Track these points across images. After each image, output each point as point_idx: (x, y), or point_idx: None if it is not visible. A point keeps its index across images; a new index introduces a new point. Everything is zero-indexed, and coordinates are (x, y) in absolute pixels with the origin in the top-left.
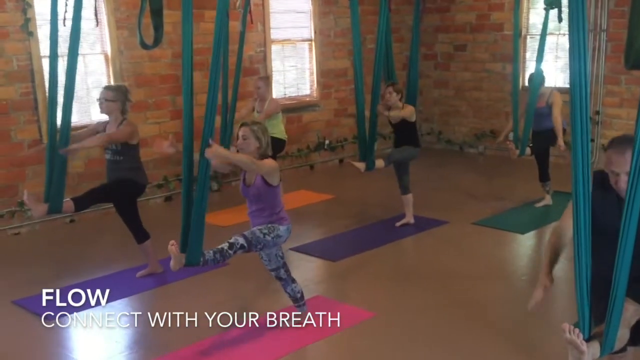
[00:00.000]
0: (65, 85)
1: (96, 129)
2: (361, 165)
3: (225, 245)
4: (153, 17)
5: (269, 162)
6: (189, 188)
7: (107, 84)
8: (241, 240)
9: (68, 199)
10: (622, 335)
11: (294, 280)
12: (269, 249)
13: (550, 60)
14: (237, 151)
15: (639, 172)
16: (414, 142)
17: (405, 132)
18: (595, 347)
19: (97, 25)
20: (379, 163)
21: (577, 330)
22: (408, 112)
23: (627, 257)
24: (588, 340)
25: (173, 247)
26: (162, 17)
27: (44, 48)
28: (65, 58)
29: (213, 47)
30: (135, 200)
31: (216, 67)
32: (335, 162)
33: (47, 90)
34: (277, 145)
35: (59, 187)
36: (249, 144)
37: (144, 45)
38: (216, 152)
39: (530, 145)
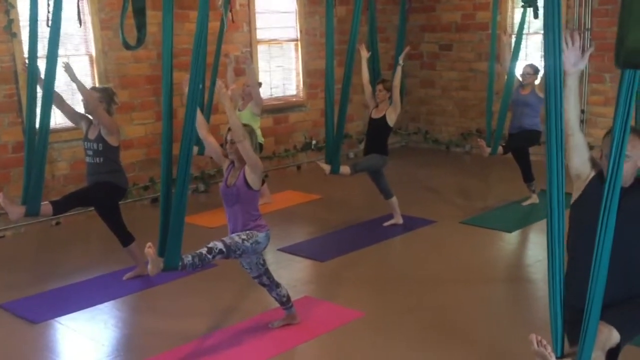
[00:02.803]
0: (45, 86)
1: (81, 117)
2: (327, 168)
3: (204, 250)
4: (136, 17)
5: (256, 156)
6: (168, 190)
7: (92, 86)
8: (220, 246)
9: (47, 202)
10: (597, 357)
11: (278, 285)
12: (248, 257)
13: (536, 59)
14: (227, 155)
15: (617, 167)
16: (382, 150)
17: (378, 136)
18: None
19: (80, 26)
20: (345, 169)
21: (544, 341)
22: (394, 112)
23: (603, 272)
24: (560, 358)
25: (150, 249)
26: (145, 17)
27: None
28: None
29: (193, 46)
30: (117, 204)
31: (197, 66)
32: (316, 162)
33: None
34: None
35: (36, 190)
36: (237, 149)
37: (127, 46)
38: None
39: (503, 144)
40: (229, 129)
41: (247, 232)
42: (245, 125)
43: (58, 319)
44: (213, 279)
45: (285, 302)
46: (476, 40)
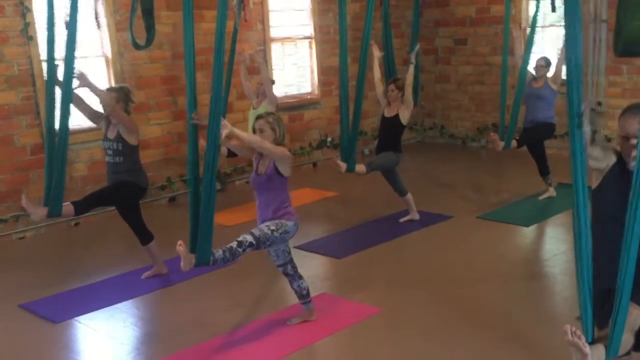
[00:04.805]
0: (63, 88)
1: (100, 116)
2: (343, 166)
3: (234, 244)
4: (144, 18)
5: (281, 148)
6: (196, 188)
7: (108, 87)
8: (249, 238)
9: (68, 202)
10: (627, 339)
11: (300, 277)
12: (277, 245)
13: (553, 53)
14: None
15: None
16: (396, 147)
17: (391, 134)
18: (600, 351)
19: (98, 28)
20: (360, 168)
21: (579, 332)
22: (407, 110)
23: (633, 254)
24: (591, 343)
25: (181, 247)
26: (154, 17)
27: (44, 52)
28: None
29: (215, 45)
30: (137, 203)
31: (219, 65)
32: (332, 160)
33: (46, 92)
34: None
35: (57, 191)
36: (266, 136)
37: (136, 46)
38: (231, 132)
39: (517, 138)
40: (256, 118)
41: (276, 222)
42: (271, 114)
43: (78, 318)
44: (230, 277)
45: (305, 295)
46: (491, 33)
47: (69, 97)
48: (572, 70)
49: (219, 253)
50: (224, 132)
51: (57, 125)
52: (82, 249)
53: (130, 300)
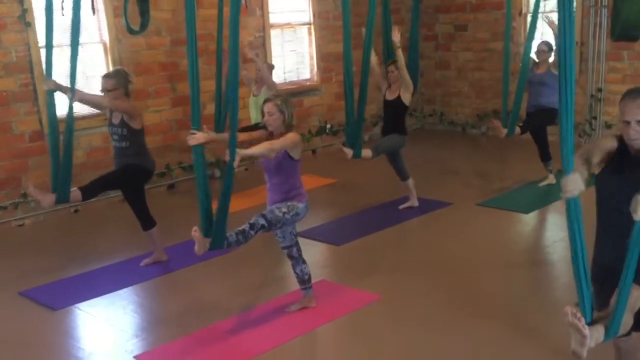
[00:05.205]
0: (70, 74)
1: (100, 102)
2: (349, 152)
3: (246, 226)
4: (138, 3)
5: (290, 137)
6: (204, 174)
7: (105, 72)
8: (261, 221)
9: (75, 188)
10: (627, 320)
11: (304, 261)
12: (286, 227)
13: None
14: (263, 126)
15: None
16: (401, 129)
17: (395, 116)
18: (599, 331)
19: (94, 14)
20: (366, 153)
21: (579, 314)
22: (407, 91)
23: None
24: (591, 324)
25: (196, 232)
26: (148, 2)
27: (43, 38)
28: (61, 48)
29: (230, 33)
30: (143, 186)
31: (236, 51)
32: (337, 146)
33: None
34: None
35: (65, 177)
36: (275, 119)
37: (131, 31)
38: (244, 156)
39: (520, 125)
40: (264, 101)
41: (288, 204)
42: (279, 95)
43: (77, 305)
44: (229, 264)
45: (306, 280)
46: (491, 19)
47: (74, 83)
48: (564, 53)
49: (232, 236)
50: (237, 161)
51: (62, 112)
52: (81, 236)
53: (130, 287)
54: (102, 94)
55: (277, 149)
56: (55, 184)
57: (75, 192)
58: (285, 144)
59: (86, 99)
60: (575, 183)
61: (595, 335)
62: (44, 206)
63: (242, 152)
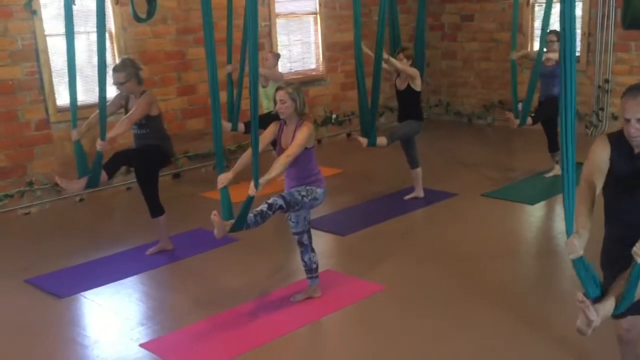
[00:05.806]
0: (99, 62)
1: (119, 103)
2: (364, 141)
3: (264, 207)
4: None
5: (302, 134)
6: (222, 164)
7: (114, 66)
8: (280, 202)
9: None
10: (639, 293)
11: (313, 250)
12: (302, 211)
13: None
14: (276, 114)
15: None
16: (417, 115)
17: (409, 103)
18: (607, 306)
19: (116, 3)
20: (382, 140)
21: (587, 302)
22: (416, 79)
23: None
24: (599, 299)
25: (216, 217)
26: None
27: (49, 27)
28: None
29: (247, 23)
30: (157, 170)
31: (254, 41)
32: (343, 136)
33: (67, 68)
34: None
35: (97, 161)
36: (287, 107)
37: (137, 18)
38: (262, 186)
39: (532, 115)
40: (277, 89)
41: (307, 188)
42: (291, 84)
43: (83, 293)
44: (235, 253)
45: (313, 269)
46: (498, 9)
47: (104, 70)
48: (566, 43)
49: (250, 217)
50: (256, 193)
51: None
52: (87, 225)
53: (135, 276)
54: (122, 121)
55: (293, 155)
56: (82, 170)
57: (102, 175)
58: (302, 143)
59: (113, 137)
60: (574, 248)
61: (602, 312)
62: (73, 192)
63: (263, 180)
